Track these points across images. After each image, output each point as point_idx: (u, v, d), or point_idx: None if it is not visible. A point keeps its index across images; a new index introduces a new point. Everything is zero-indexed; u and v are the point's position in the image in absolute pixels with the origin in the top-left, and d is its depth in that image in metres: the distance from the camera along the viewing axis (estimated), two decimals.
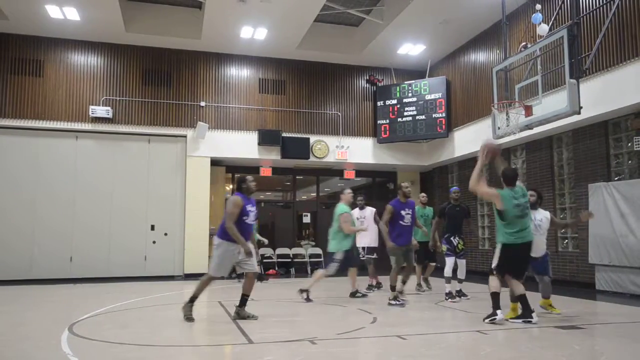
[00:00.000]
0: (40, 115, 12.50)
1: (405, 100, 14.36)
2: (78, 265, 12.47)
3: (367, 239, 9.61)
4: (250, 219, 6.46)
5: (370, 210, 9.88)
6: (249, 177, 6.59)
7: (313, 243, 15.37)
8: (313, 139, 14.27)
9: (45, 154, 12.63)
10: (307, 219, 15.78)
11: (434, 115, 13.93)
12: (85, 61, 13.07)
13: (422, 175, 16.35)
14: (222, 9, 11.48)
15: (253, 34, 12.70)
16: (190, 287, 10.55)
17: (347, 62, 14.79)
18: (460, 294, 8.35)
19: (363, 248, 9.75)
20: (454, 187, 9.09)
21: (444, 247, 8.48)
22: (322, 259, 14.84)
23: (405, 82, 14.54)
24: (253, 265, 6.52)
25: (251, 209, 6.45)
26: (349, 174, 15.35)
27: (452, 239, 8.47)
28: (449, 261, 8.32)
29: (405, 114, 14.31)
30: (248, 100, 14.09)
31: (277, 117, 14.24)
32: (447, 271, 8.25)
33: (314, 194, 16.06)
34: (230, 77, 14.09)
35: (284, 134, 13.99)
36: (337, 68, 14.88)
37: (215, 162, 13.88)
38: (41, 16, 11.63)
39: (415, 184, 16.27)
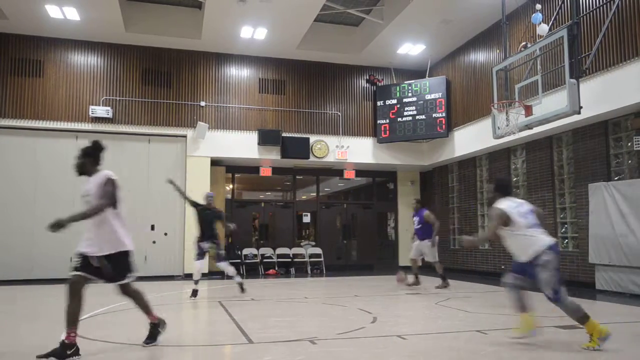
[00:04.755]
0: (40, 115, 12.50)
1: (405, 100, 14.36)
2: None
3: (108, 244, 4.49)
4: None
5: (102, 175, 4.85)
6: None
7: (313, 243, 15.38)
8: (313, 138, 14.27)
9: (45, 154, 12.63)
10: (307, 218, 15.79)
11: (434, 115, 13.93)
12: (85, 61, 13.07)
13: (422, 175, 16.35)
14: (222, 9, 11.48)
15: (253, 33, 12.70)
16: (191, 286, 10.53)
17: (347, 62, 14.79)
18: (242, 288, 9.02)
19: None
20: (209, 193, 9.50)
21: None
22: (322, 259, 14.85)
23: (405, 82, 14.54)
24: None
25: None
26: (349, 174, 15.35)
27: (200, 243, 8.81)
28: (197, 264, 8.87)
29: (405, 113, 14.31)
30: (248, 100, 14.09)
31: (277, 117, 14.24)
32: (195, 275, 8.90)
33: (314, 194, 16.06)
34: (230, 77, 14.09)
35: (283, 134, 13.99)
36: (337, 68, 14.88)
37: (215, 162, 13.88)
38: (41, 16, 11.62)
39: (416, 184, 16.28)
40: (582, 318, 4.69)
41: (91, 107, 12.69)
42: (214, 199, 9.31)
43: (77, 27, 12.23)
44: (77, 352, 4.35)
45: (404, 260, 15.78)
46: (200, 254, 8.88)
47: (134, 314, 7.28)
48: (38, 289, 10.54)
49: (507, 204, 4.94)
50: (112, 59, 13.23)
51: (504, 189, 5.19)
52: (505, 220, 4.83)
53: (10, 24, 12.04)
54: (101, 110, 12.67)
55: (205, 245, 8.84)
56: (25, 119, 12.41)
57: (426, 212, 10.09)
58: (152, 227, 13.10)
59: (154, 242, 13.05)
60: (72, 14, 11.56)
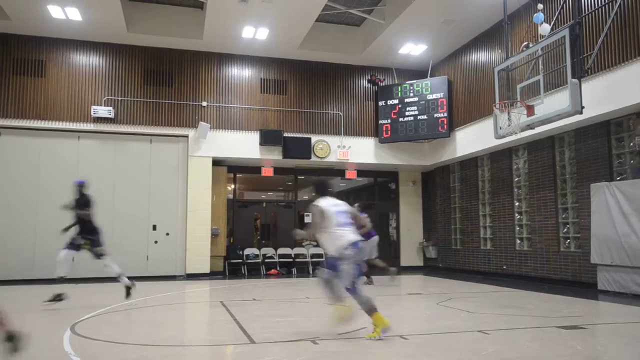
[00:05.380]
0: (42, 116, 12.52)
1: (406, 100, 14.35)
2: (80, 265, 12.45)
3: None
4: None
5: None
6: None
7: (315, 243, 15.36)
8: (315, 139, 14.26)
9: (47, 154, 12.65)
10: (309, 218, 15.77)
11: (435, 115, 13.91)
12: (87, 61, 13.09)
13: (423, 175, 16.34)
14: (223, 9, 11.49)
15: (254, 34, 12.71)
16: (192, 286, 10.57)
17: (349, 62, 14.79)
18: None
19: None
20: (79, 180, 8.17)
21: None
22: (323, 259, 14.84)
23: (407, 82, 14.53)
24: None
25: None
26: (351, 174, 15.35)
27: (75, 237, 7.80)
28: (61, 254, 7.75)
29: (407, 113, 14.30)
30: (250, 100, 14.09)
31: (279, 117, 14.24)
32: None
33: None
34: (232, 77, 14.09)
35: (285, 134, 13.99)
36: (339, 68, 14.88)
37: (216, 162, 13.89)
38: (43, 16, 11.64)
39: (417, 184, 16.28)
40: (371, 310, 5.09)
41: (93, 107, 12.70)
42: (85, 187, 8.07)
43: (79, 27, 12.24)
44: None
45: (405, 260, 15.79)
46: (71, 246, 7.84)
47: (135, 314, 7.30)
48: (39, 289, 10.55)
49: (325, 203, 5.41)
50: (114, 59, 13.24)
51: (322, 190, 5.65)
52: (322, 216, 5.31)
53: (13, 24, 12.06)
54: (103, 111, 12.68)
55: (80, 240, 7.82)
56: (27, 119, 12.42)
57: (360, 216, 10.87)
58: (154, 227, 13.11)
59: (155, 242, 13.07)
60: (74, 14, 11.57)
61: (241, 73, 14.18)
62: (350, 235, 5.26)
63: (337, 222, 5.28)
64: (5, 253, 12.02)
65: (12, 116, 12.34)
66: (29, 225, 12.30)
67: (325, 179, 5.80)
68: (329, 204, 5.40)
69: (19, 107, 12.44)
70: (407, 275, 13.90)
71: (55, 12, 11.43)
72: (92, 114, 12.67)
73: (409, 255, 15.91)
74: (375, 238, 10.62)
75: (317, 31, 13.45)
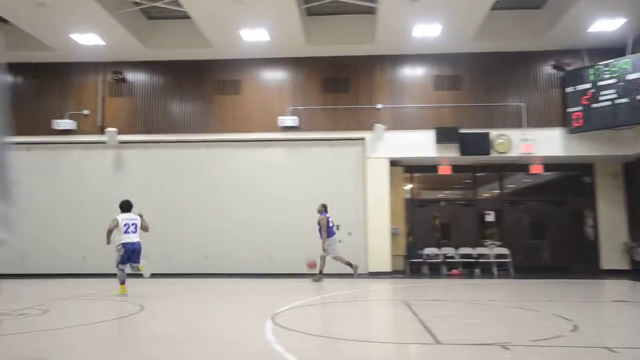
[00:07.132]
0: (237, 129, 14.15)
1: (600, 83, 12.78)
2: (276, 261, 13.74)
3: None
4: None
5: None
6: None
7: (498, 243, 14.59)
8: (493, 133, 13.57)
9: (242, 163, 14.25)
10: (490, 217, 15.03)
11: (638, 97, 12.13)
12: (273, 76, 14.43)
13: (626, 166, 14.35)
14: (394, 11, 11.63)
15: (426, 31, 12.60)
16: (375, 284, 10.84)
17: (529, 48, 13.73)
18: None
19: None
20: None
21: None
22: (509, 260, 14.01)
23: (601, 63, 12.93)
24: None
25: None
26: (536, 169, 14.21)
27: None
28: None
29: (602, 98, 12.74)
30: (423, 99, 14.00)
31: (454, 114, 13.88)
32: None
33: (498, 191, 15.24)
34: (405, 78, 14.17)
35: (461, 130, 13.57)
36: (517, 56, 13.91)
37: (393, 163, 14.08)
38: (237, 41, 13.13)
39: (619, 177, 14.38)
40: (121, 282, 8.85)
41: (280, 117, 13.93)
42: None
43: (266, 46, 13.51)
44: None
45: (607, 263, 14.08)
46: None
47: (326, 308, 7.81)
48: (233, 283, 11.85)
49: (121, 216, 8.89)
50: (296, 71, 14.35)
51: (124, 207, 9.05)
52: (116, 224, 8.80)
53: (214, 50, 13.86)
54: (289, 120, 13.84)
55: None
56: (226, 132, 14.17)
57: (320, 217, 11.79)
58: (337, 227, 13.78)
59: (339, 241, 13.71)
60: (263, 34, 12.82)
61: (413, 72, 14.19)
62: (125, 238, 8.75)
63: (123, 229, 8.77)
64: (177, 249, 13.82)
65: (214, 130, 14.20)
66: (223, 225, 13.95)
67: (127, 200, 9.31)
68: (123, 217, 8.86)
69: (221, 122, 14.25)
70: (610, 280, 12.38)
71: (247, 35, 12.81)
72: (279, 123, 13.90)
73: (612, 257, 14.11)
74: (335, 236, 11.83)
75: (492, 20, 12.77)
